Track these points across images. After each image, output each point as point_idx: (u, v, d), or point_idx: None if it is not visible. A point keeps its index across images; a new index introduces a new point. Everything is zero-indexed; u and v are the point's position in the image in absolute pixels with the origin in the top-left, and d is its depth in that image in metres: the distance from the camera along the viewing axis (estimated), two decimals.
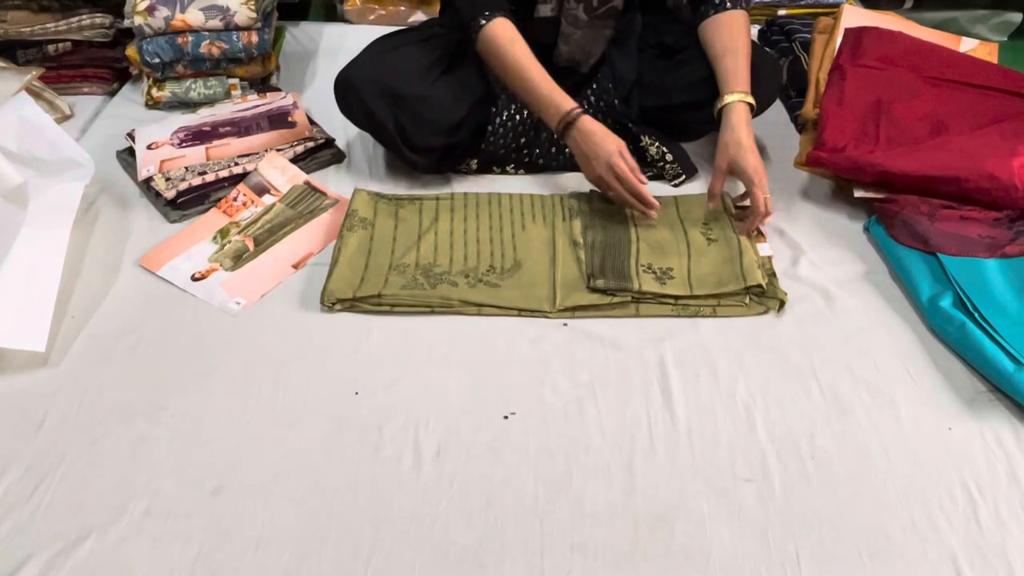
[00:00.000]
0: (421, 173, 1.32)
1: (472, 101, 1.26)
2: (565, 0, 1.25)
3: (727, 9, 1.24)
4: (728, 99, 1.18)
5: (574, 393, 0.95)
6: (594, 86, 1.33)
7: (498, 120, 1.28)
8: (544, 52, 1.30)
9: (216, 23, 1.48)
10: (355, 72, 1.22)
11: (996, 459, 0.88)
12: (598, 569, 0.77)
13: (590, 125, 1.17)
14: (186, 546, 0.78)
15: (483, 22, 1.19)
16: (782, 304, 1.07)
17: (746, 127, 1.16)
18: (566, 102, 1.18)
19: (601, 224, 1.20)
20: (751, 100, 1.18)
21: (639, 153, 1.33)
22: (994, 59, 1.53)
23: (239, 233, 1.20)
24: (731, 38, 1.22)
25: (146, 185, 1.28)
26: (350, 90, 1.22)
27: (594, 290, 1.07)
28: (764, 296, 1.08)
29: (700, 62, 1.25)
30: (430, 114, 1.22)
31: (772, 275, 1.11)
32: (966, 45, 1.56)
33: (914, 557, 0.79)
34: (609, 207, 1.23)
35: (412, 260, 1.13)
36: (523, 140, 1.33)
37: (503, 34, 1.19)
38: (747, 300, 1.07)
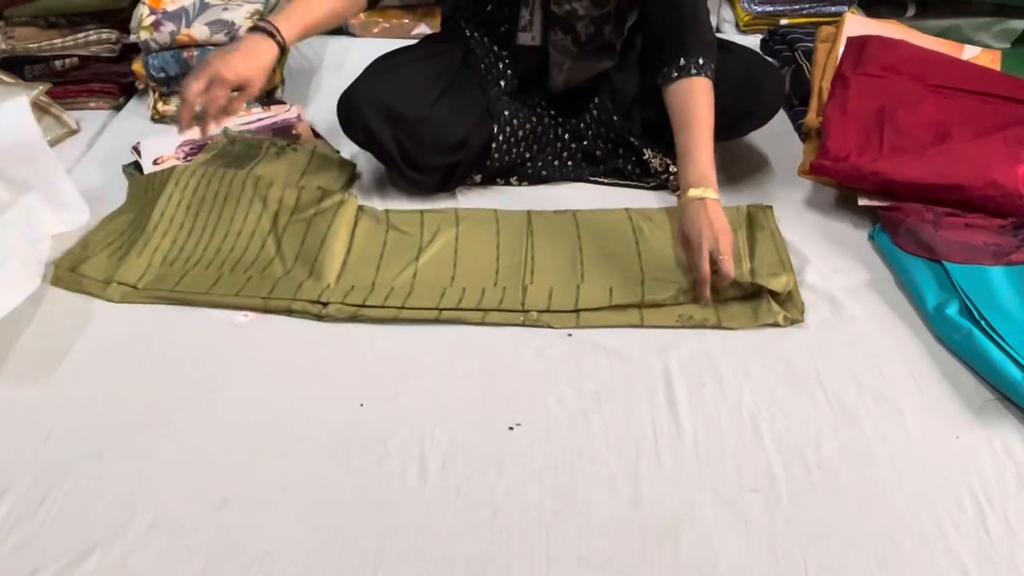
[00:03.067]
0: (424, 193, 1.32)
1: (474, 119, 1.26)
2: (551, 31, 1.22)
3: (690, 75, 1.14)
4: (694, 194, 1.06)
5: (579, 403, 0.95)
6: (596, 100, 1.33)
7: (501, 137, 1.28)
8: (537, 77, 1.29)
9: (221, 37, 1.49)
10: (357, 93, 1.22)
11: (1004, 467, 0.88)
12: None
13: (259, 42, 1.13)
14: (192, 560, 0.78)
15: None
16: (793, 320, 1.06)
17: (720, 219, 1.05)
18: (280, 21, 1.14)
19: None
20: (714, 195, 1.06)
21: (643, 166, 1.33)
22: (997, 66, 1.53)
23: None
24: (691, 109, 1.13)
25: None
26: (353, 112, 1.23)
27: None
28: (783, 304, 1.07)
29: None
30: (432, 135, 1.22)
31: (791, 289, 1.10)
32: (969, 52, 1.56)
33: (923, 566, 0.78)
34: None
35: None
36: (527, 155, 1.33)
37: None
38: (756, 313, 1.06)
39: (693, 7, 1.19)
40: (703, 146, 1.10)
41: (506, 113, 1.30)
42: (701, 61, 1.15)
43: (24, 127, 1.19)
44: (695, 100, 1.13)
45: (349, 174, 1.36)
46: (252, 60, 1.10)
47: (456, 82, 1.27)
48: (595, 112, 1.33)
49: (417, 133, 1.21)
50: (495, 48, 1.30)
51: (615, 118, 1.31)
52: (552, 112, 1.34)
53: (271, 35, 1.12)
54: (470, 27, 1.29)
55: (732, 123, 1.25)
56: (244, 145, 1.36)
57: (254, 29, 1.13)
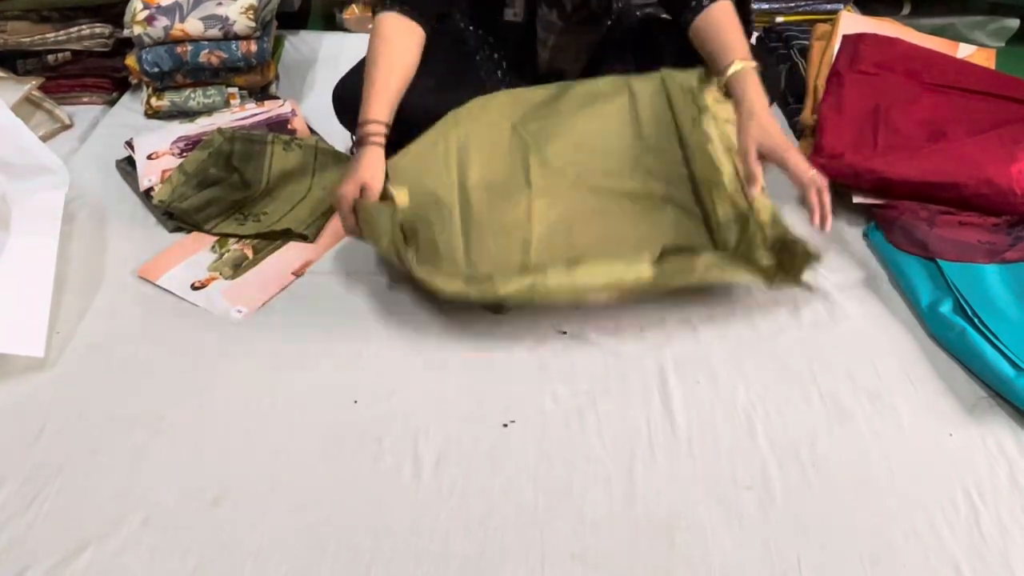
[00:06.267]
0: None
1: None
2: (537, 6, 1.22)
3: (707, 5, 1.15)
4: (734, 68, 1.09)
5: (574, 401, 0.95)
6: None
7: None
8: (526, 59, 1.29)
9: (215, 32, 1.48)
10: (352, 83, 1.22)
11: (997, 465, 0.88)
12: None
13: (368, 154, 1.08)
14: (185, 557, 0.78)
15: (379, 10, 1.16)
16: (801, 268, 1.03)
17: (761, 101, 1.09)
18: (378, 115, 1.10)
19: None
20: (755, 64, 1.11)
21: None
22: (992, 65, 1.53)
23: (237, 242, 1.20)
24: (723, 21, 1.15)
25: (146, 195, 1.28)
26: (347, 102, 1.22)
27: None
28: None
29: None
30: (427, 125, 1.21)
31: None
32: (964, 51, 1.56)
33: (916, 564, 0.78)
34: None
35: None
36: None
37: (383, 30, 1.15)
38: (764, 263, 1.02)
39: None
40: (743, 40, 1.12)
41: None
42: None
43: None
44: (729, 15, 1.14)
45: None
46: (377, 170, 1.08)
47: (451, 73, 1.27)
48: None
49: (411, 123, 1.20)
50: (490, 39, 1.29)
51: None
52: None
53: (380, 144, 1.10)
54: (464, 19, 1.29)
55: None
56: (244, 141, 1.34)
57: (366, 144, 1.09)
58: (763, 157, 1.07)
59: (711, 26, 1.15)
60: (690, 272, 1.00)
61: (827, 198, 1.03)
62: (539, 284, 0.97)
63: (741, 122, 1.09)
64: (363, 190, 1.07)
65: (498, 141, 1.16)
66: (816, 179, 1.04)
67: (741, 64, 1.10)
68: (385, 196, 1.09)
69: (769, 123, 1.08)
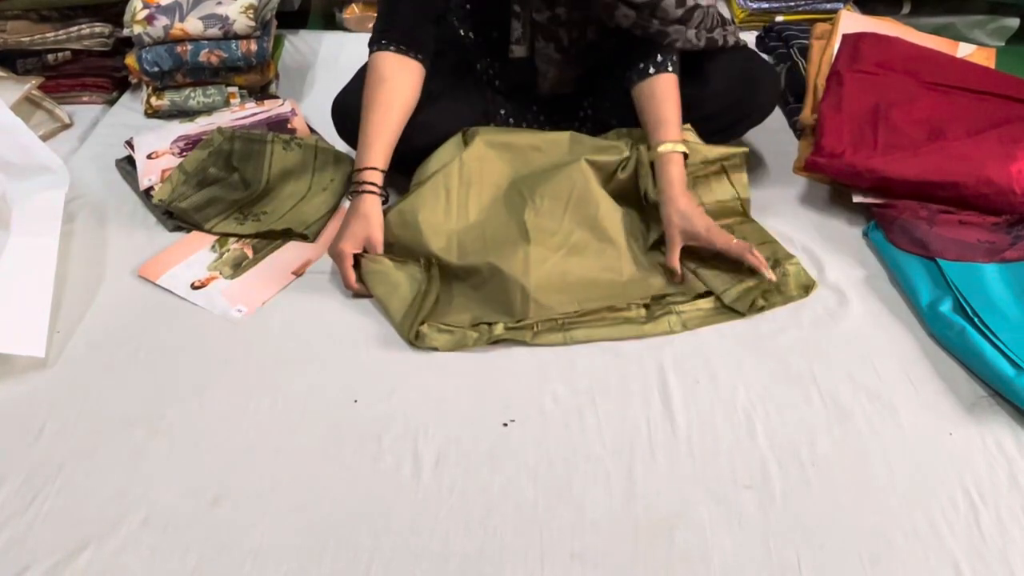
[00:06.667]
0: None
1: (469, 122, 1.24)
2: (535, 40, 1.20)
3: (653, 75, 1.14)
4: (663, 148, 1.11)
5: (574, 401, 0.95)
6: (590, 99, 1.32)
7: None
8: (527, 88, 1.28)
9: (215, 32, 1.48)
10: (351, 98, 1.21)
11: (997, 464, 0.88)
12: None
13: (365, 205, 1.10)
14: (184, 556, 0.78)
15: (374, 48, 1.16)
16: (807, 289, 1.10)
17: (680, 185, 1.10)
18: (374, 161, 1.11)
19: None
20: (683, 149, 1.11)
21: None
22: (992, 64, 1.53)
23: (237, 241, 1.20)
24: (664, 94, 1.14)
25: (146, 195, 1.28)
26: (347, 116, 1.22)
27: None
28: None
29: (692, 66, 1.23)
30: (425, 140, 1.20)
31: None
32: (964, 50, 1.56)
33: (915, 563, 0.78)
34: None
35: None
36: None
37: (381, 69, 1.14)
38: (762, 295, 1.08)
39: None
40: (677, 116, 1.14)
41: (502, 112, 1.29)
42: (675, 57, 1.16)
43: None
44: (667, 91, 1.15)
45: (350, 170, 1.35)
46: (376, 223, 1.11)
47: (451, 84, 1.26)
48: (589, 111, 1.33)
49: (410, 138, 1.19)
50: (488, 49, 1.28)
51: (613, 121, 1.30)
52: (547, 112, 1.33)
53: (377, 193, 1.12)
54: (464, 27, 1.28)
55: (727, 125, 1.24)
56: (243, 140, 1.33)
57: (361, 192, 1.11)
58: (688, 241, 1.10)
59: (652, 96, 1.14)
60: (677, 323, 1.06)
61: (758, 253, 1.08)
62: (534, 339, 1.03)
63: (662, 207, 1.11)
64: (366, 246, 1.10)
65: (497, 196, 1.18)
66: (743, 245, 1.08)
67: (670, 146, 1.11)
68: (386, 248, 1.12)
69: (687, 207, 1.09)
